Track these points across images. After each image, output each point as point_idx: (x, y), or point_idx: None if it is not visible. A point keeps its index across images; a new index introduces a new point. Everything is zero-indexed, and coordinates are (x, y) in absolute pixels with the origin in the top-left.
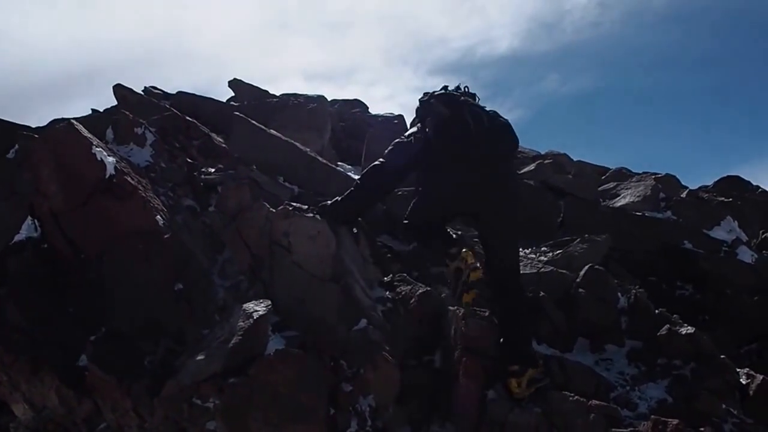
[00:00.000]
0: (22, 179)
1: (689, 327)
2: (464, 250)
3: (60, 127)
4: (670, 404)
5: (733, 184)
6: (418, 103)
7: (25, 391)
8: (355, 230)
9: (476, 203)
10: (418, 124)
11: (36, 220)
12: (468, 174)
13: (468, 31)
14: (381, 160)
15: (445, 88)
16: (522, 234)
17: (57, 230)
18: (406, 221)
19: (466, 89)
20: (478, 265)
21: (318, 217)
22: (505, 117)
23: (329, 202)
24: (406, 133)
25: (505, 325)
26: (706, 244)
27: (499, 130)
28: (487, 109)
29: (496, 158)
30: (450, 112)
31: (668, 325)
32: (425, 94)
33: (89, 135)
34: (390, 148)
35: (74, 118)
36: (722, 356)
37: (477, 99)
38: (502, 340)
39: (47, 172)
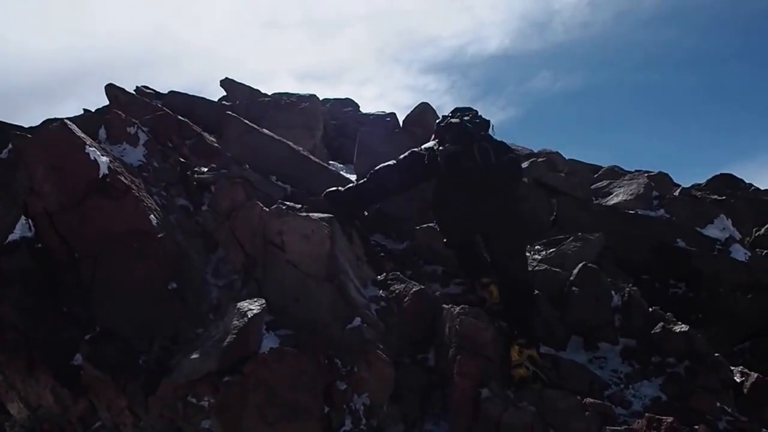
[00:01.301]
0: (15, 179)
1: (683, 325)
2: (493, 285)
3: (53, 126)
4: (664, 402)
5: (725, 182)
6: (441, 119)
7: (20, 390)
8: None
9: (484, 226)
10: (436, 141)
11: (30, 220)
12: (475, 202)
13: (459, 30)
14: (394, 162)
15: (467, 110)
16: (527, 242)
17: (51, 230)
18: (445, 240)
19: (481, 117)
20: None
21: (312, 214)
22: (512, 148)
23: (338, 189)
24: (424, 146)
25: (517, 315)
26: (699, 242)
27: (505, 166)
28: (497, 140)
29: (501, 189)
30: (461, 147)
31: (662, 323)
32: (445, 116)
33: (83, 135)
34: (405, 155)
35: (66, 119)
36: (716, 354)
37: (491, 127)
38: (513, 323)
39: (41, 171)
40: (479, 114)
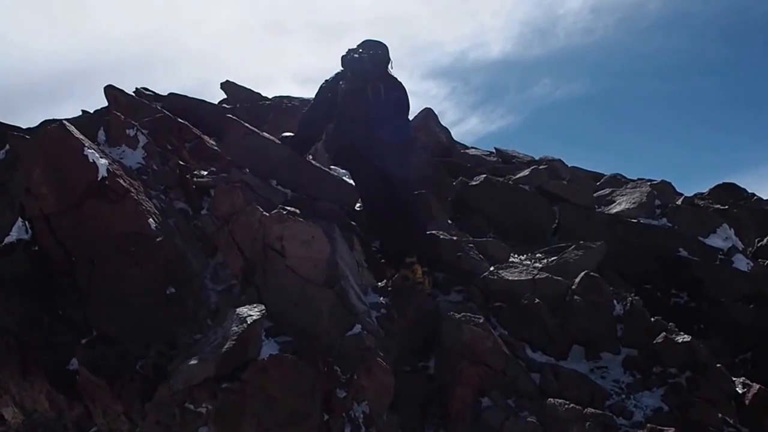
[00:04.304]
0: (13, 180)
1: (685, 335)
2: (417, 264)
3: (52, 128)
4: (665, 413)
5: (728, 192)
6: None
7: (15, 394)
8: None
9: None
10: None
11: (27, 222)
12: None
13: (461, 35)
14: (311, 104)
15: (376, 44)
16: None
17: (48, 232)
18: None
19: (383, 54)
20: (424, 281)
21: (312, 220)
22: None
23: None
24: (333, 75)
25: (390, 233)
26: (701, 251)
27: (393, 102)
28: (392, 77)
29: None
30: (355, 86)
31: (664, 333)
32: (352, 49)
33: (81, 136)
34: (317, 92)
35: (65, 120)
36: (718, 365)
37: (390, 63)
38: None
39: (39, 173)
40: (385, 48)
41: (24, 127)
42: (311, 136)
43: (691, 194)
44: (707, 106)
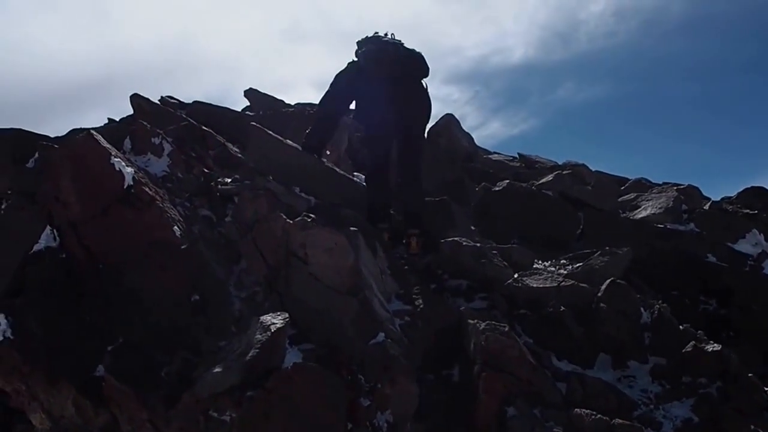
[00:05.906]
0: (41, 189)
1: (715, 344)
2: (413, 237)
3: (80, 137)
4: (695, 424)
5: (757, 196)
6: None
7: (42, 400)
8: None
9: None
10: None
11: (55, 230)
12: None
13: (482, 40)
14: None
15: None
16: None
17: (75, 240)
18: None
19: (393, 36)
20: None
21: (336, 227)
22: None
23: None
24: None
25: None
26: (730, 257)
27: (414, 57)
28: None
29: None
30: (375, 47)
31: (694, 342)
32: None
33: (108, 145)
34: (332, 81)
35: (92, 128)
36: (750, 374)
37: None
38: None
39: (67, 181)
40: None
41: (51, 134)
42: (330, 118)
43: (719, 198)
44: (734, 108)
